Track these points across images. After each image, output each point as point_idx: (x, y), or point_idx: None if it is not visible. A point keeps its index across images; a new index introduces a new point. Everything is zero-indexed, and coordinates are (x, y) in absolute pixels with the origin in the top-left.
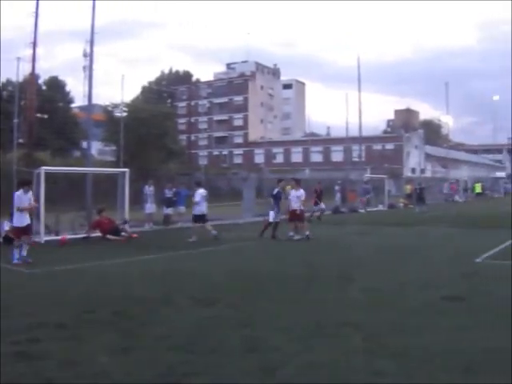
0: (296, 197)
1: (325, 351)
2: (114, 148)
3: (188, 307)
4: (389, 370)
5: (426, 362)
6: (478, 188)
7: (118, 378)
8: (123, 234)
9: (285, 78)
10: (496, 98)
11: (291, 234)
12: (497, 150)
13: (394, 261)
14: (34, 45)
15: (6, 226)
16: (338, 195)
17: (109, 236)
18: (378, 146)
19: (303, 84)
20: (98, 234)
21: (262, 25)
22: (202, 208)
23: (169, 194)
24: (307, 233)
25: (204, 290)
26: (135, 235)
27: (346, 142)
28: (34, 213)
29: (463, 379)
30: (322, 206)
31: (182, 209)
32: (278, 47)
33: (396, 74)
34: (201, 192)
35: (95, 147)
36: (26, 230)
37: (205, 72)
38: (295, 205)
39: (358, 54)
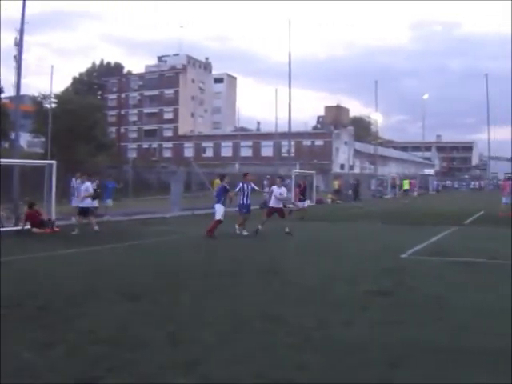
0: (279, 193)
1: (248, 346)
2: (43, 140)
3: (112, 302)
4: (312, 364)
5: (350, 357)
6: (407, 185)
7: (41, 374)
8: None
9: (216, 72)
10: (426, 96)
11: (259, 226)
12: (426, 147)
13: (321, 256)
14: None
15: None
16: (267, 190)
17: (34, 229)
18: (307, 142)
19: (234, 78)
20: (28, 227)
21: (194, 18)
22: (90, 201)
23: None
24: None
25: (129, 284)
26: (57, 229)
27: (276, 137)
28: None
29: (387, 374)
30: (306, 203)
31: (109, 202)
32: (211, 41)
33: (328, 70)
34: (90, 185)
35: (24, 139)
36: None
37: (137, 64)
38: (279, 202)
39: (289, 49)
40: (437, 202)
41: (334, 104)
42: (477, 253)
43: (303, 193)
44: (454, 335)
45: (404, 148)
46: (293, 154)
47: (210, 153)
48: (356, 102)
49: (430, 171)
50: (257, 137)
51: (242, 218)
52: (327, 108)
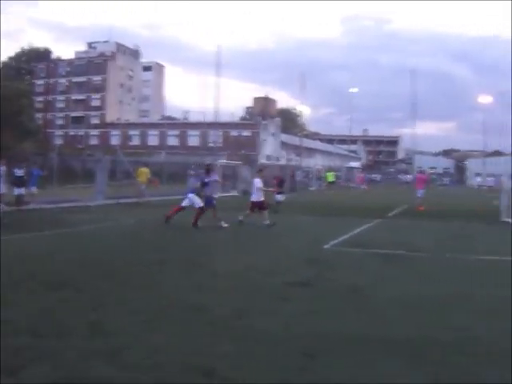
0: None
1: (170, 335)
2: None
3: (35, 291)
4: (231, 353)
5: (268, 346)
6: (331, 177)
7: None
8: None
9: (145, 59)
10: (354, 90)
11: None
12: (352, 140)
13: (244, 247)
14: None
15: None
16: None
17: None
18: (234, 133)
19: (163, 67)
20: None
21: (125, 5)
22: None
23: (18, 173)
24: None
25: (52, 273)
26: None
27: (203, 126)
28: None
29: (303, 363)
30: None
31: (34, 189)
32: (141, 29)
33: (258, 61)
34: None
35: None
36: None
37: (66, 50)
38: (261, 195)
39: (219, 40)
40: (363, 194)
41: (263, 95)
42: (397, 245)
43: (281, 185)
44: (371, 326)
45: (330, 141)
46: (220, 144)
47: (136, 141)
48: (284, 94)
49: (355, 164)
50: (184, 126)
51: (214, 210)
52: (256, 99)
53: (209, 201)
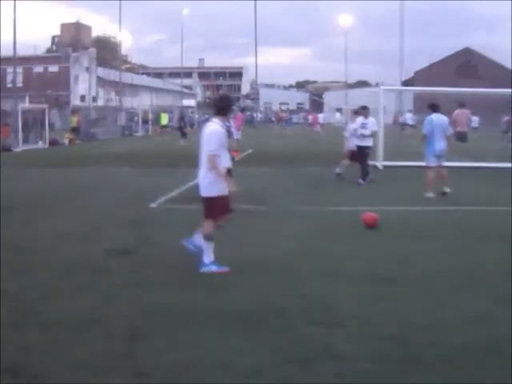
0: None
1: None
2: None
3: None
4: (39, 342)
5: (85, 331)
6: (165, 119)
7: None
8: None
9: None
10: (185, 11)
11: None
12: (185, 73)
13: (49, 211)
14: None
15: None
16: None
17: None
18: (39, 69)
19: None
20: None
21: None
22: None
23: None
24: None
25: None
26: None
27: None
28: None
29: (128, 348)
30: None
31: None
32: None
33: None
34: None
35: None
36: None
37: None
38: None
39: None
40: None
41: (73, 21)
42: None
43: None
44: (203, 296)
45: (159, 74)
46: (20, 84)
47: None
48: (102, 18)
49: (190, 102)
50: None
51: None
52: (64, 26)
53: None
